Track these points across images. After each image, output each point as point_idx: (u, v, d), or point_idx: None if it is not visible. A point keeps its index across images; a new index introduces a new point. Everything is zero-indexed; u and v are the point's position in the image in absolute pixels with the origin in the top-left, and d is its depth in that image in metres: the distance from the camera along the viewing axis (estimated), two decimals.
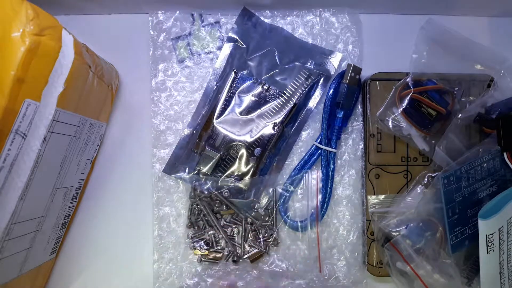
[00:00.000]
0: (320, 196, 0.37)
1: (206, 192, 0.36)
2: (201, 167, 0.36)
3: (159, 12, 0.38)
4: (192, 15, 0.39)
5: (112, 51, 0.37)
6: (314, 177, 0.37)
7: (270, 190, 0.37)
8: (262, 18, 0.38)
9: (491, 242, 0.30)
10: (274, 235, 0.37)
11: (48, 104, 0.26)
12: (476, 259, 0.31)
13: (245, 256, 0.37)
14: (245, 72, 0.38)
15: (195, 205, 0.37)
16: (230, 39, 0.38)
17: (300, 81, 0.37)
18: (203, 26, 0.39)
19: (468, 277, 0.33)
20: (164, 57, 0.38)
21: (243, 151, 0.37)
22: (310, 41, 0.38)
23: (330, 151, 0.37)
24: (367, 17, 0.39)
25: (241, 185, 0.36)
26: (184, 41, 0.39)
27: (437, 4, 0.38)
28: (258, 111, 0.37)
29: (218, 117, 0.37)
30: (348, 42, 0.38)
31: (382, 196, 0.36)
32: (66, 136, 0.30)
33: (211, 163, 0.36)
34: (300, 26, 0.39)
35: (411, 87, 0.35)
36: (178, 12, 0.38)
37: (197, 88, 0.38)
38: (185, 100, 0.38)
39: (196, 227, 0.37)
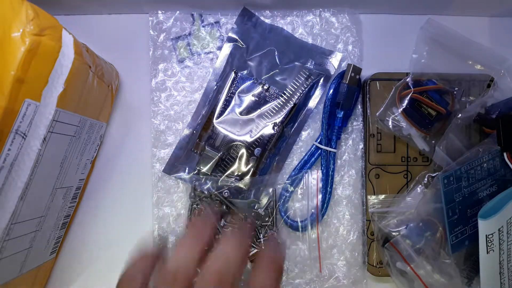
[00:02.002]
0: (320, 196, 0.37)
1: (206, 192, 0.36)
2: (201, 167, 0.36)
3: (159, 12, 0.38)
4: (192, 15, 0.39)
5: (112, 51, 0.37)
6: (314, 177, 0.37)
7: (270, 190, 0.37)
8: (262, 18, 0.38)
9: (491, 242, 0.30)
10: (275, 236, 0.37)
11: (48, 104, 0.26)
12: (476, 259, 0.31)
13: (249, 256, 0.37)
14: (245, 72, 0.37)
15: (195, 205, 0.37)
16: (230, 39, 0.38)
17: (300, 81, 0.37)
18: (203, 26, 0.39)
19: (468, 277, 0.33)
20: (164, 57, 0.38)
21: (243, 151, 0.37)
22: (310, 41, 0.38)
23: (330, 151, 0.37)
24: (367, 17, 0.39)
25: (241, 185, 0.36)
26: (184, 41, 0.39)
27: (437, 4, 0.38)
28: (258, 111, 0.37)
29: (218, 117, 0.37)
30: (348, 42, 0.38)
31: (382, 196, 0.36)
32: (66, 136, 0.30)
33: (211, 163, 0.36)
34: (300, 26, 0.39)
35: (411, 87, 0.35)
36: (178, 12, 0.38)
37: (197, 88, 0.38)
38: (185, 100, 0.38)
39: None
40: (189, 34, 0.39)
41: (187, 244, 0.28)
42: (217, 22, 0.39)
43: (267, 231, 0.37)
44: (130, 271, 0.29)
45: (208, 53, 0.39)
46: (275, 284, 0.27)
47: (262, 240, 0.37)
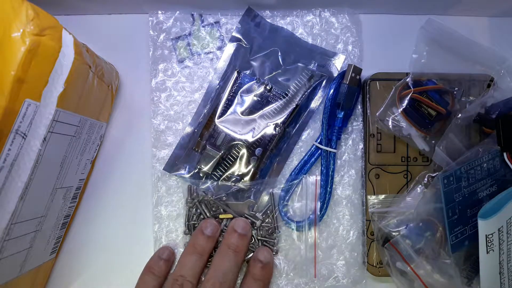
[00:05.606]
0: (319, 204, 0.37)
1: (203, 194, 0.36)
2: (202, 166, 0.36)
3: (159, 12, 0.38)
4: (192, 15, 0.39)
5: (112, 51, 0.37)
6: (312, 182, 0.37)
7: (270, 190, 0.37)
8: None
9: (491, 242, 0.30)
10: (274, 242, 0.37)
11: (48, 104, 0.26)
12: (476, 259, 0.31)
13: (245, 259, 0.37)
14: (248, 72, 0.37)
15: (193, 210, 0.37)
16: (233, 39, 0.38)
17: (303, 82, 0.37)
18: (203, 26, 0.39)
19: (468, 277, 0.33)
20: (164, 57, 0.38)
21: (244, 151, 0.37)
22: (310, 41, 0.38)
23: (330, 151, 0.37)
24: (367, 17, 0.39)
25: (241, 186, 0.36)
26: (184, 41, 0.39)
27: (437, 4, 0.38)
28: (260, 112, 0.37)
29: (220, 116, 0.37)
30: (348, 42, 0.38)
31: (382, 196, 0.36)
32: (66, 136, 0.30)
33: (212, 162, 0.36)
34: (300, 26, 0.39)
35: (411, 87, 0.35)
36: (178, 12, 0.38)
37: (197, 88, 0.39)
38: (185, 100, 0.38)
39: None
40: (189, 34, 0.39)
41: (191, 259, 0.34)
42: (217, 22, 0.39)
43: (266, 234, 0.37)
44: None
45: (208, 53, 0.39)
46: None
47: (262, 242, 0.37)
